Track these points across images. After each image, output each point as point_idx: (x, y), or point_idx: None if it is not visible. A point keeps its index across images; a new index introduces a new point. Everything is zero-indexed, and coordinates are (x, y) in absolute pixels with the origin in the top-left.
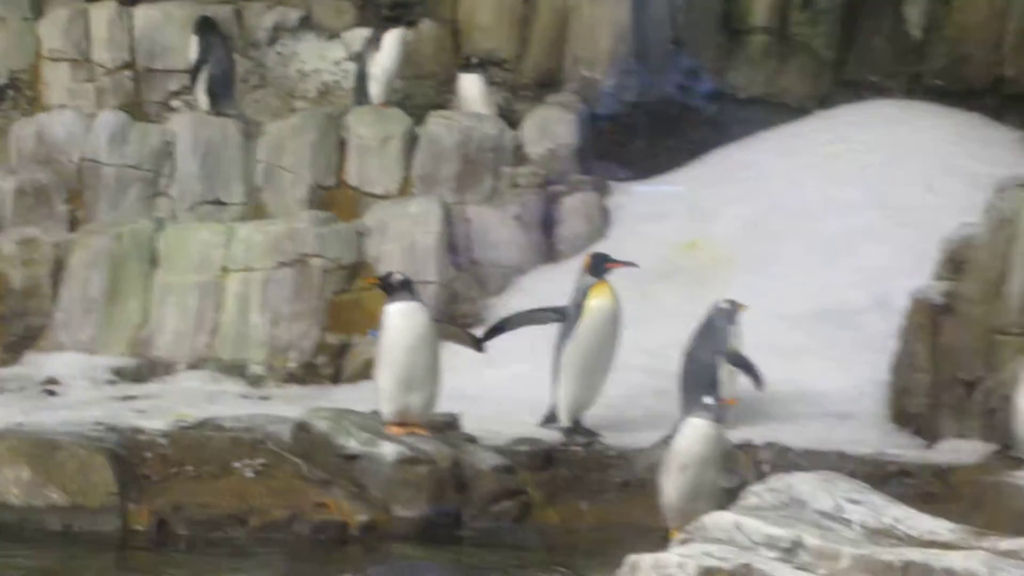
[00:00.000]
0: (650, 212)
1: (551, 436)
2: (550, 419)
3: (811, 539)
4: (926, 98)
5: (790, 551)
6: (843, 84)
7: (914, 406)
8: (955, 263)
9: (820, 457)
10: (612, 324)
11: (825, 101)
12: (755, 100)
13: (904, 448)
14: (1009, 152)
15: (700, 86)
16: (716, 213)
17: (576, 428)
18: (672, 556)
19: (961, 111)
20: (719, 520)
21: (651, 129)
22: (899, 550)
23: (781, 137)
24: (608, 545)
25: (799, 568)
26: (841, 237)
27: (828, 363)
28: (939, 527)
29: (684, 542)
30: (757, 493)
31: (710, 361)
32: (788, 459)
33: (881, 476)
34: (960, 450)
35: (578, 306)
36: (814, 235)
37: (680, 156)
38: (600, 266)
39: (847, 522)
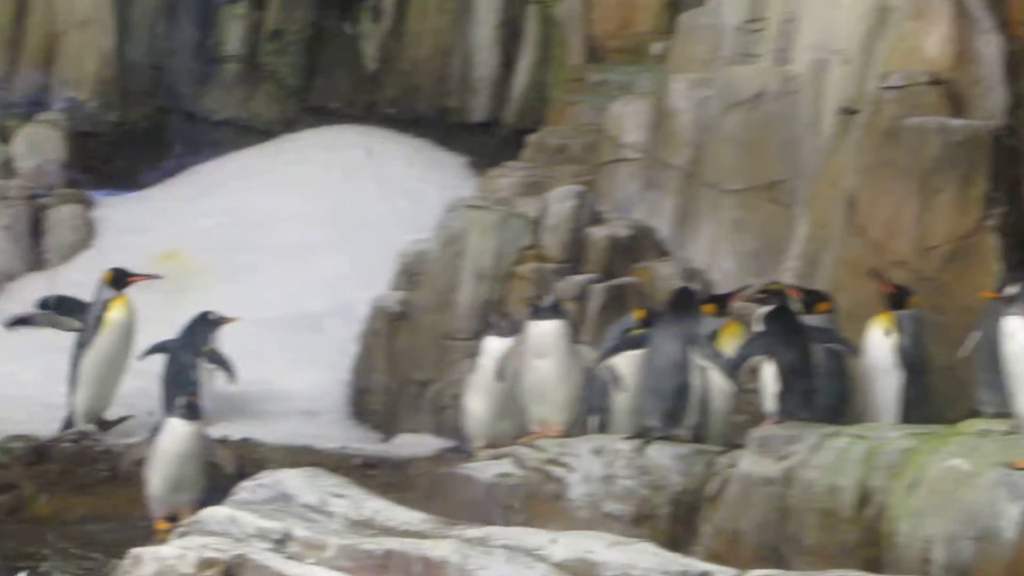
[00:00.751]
0: (133, 225)
1: (45, 432)
2: (68, 424)
3: (300, 531)
4: (381, 124)
5: (281, 542)
6: (307, 110)
7: (373, 404)
8: (409, 275)
9: (291, 452)
10: (128, 335)
11: (291, 125)
12: (228, 122)
13: (365, 442)
14: (455, 175)
15: (178, 109)
16: (193, 226)
17: (103, 425)
18: (172, 549)
19: (412, 137)
20: (215, 514)
21: (133, 147)
22: (380, 539)
23: (252, 157)
24: (99, 535)
25: (290, 558)
26: (306, 250)
27: (295, 365)
28: (413, 518)
29: (183, 535)
30: (248, 488)
31: (190, 363)
32: (262, 454)
33: (347, 469)
34: (415, 444)
35: (97, 318)
36: (282, 247)
37: (160, 173)
38: (121, 280)
39: (331, 515)
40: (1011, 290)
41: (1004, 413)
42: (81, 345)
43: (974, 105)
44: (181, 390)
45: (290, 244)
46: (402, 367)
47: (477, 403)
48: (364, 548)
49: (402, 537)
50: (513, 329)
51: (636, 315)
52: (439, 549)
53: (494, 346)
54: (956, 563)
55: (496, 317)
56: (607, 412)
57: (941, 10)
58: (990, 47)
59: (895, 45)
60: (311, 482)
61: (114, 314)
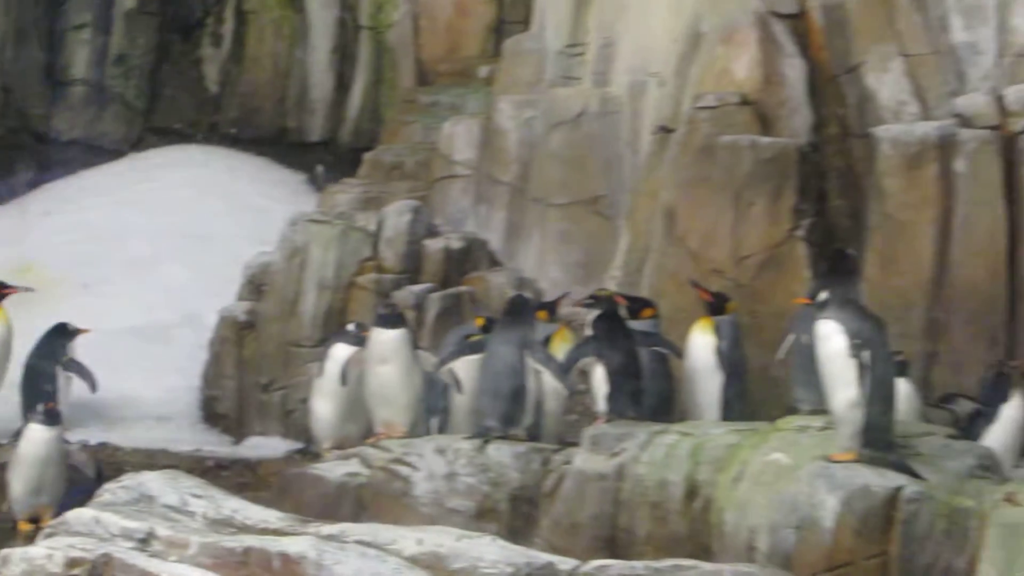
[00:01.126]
0: None
1: None
2: None
3: (162, 530)
4: (223, 144)
5: (145, 541)
6: (153, 130)
7: (223, 408)
8: (255, 286)
9: (147, 455)
10: (5, 346)
11: (137, 145)
12: (77, 142)
13: (217, 445)
14: (295, 192)
15: (29, 129)
16: (46, 241)
17: None
18: (40, 549)
19: (253, 155)
20: (81, 515)
21: None
22: (240, 537)
23: (100, 175)
24: None
25: (153, 556)
26: (155, 263)
27: (147, 373)
28: (270, 516)
29: (50, 535)
30: (111, 490)
31: (48, 372)
32: (120, 457)
33: (201, 470)
34: (264, 446)
35: None
36: (131, 261)
37: (12, 190)
38: None
39: (192, 514)
40: (823, 296)
41: (820, 410)
42: None
43: (782, 124)
44: (40, 397)
45: (139, 258)
46: (250, 373)
47: (324, 406)
48: (225, 546)
49: (260, 535)
50: (358, 338)
51: (477, 322)
52: (297, 545)
53: (339, 352)
54: (778, 551)
55: (343, 325)
56: (448, 414)
57: (749, 36)
58: (795, 70)
59: (707, 68)
60: (171, 484)
61: None
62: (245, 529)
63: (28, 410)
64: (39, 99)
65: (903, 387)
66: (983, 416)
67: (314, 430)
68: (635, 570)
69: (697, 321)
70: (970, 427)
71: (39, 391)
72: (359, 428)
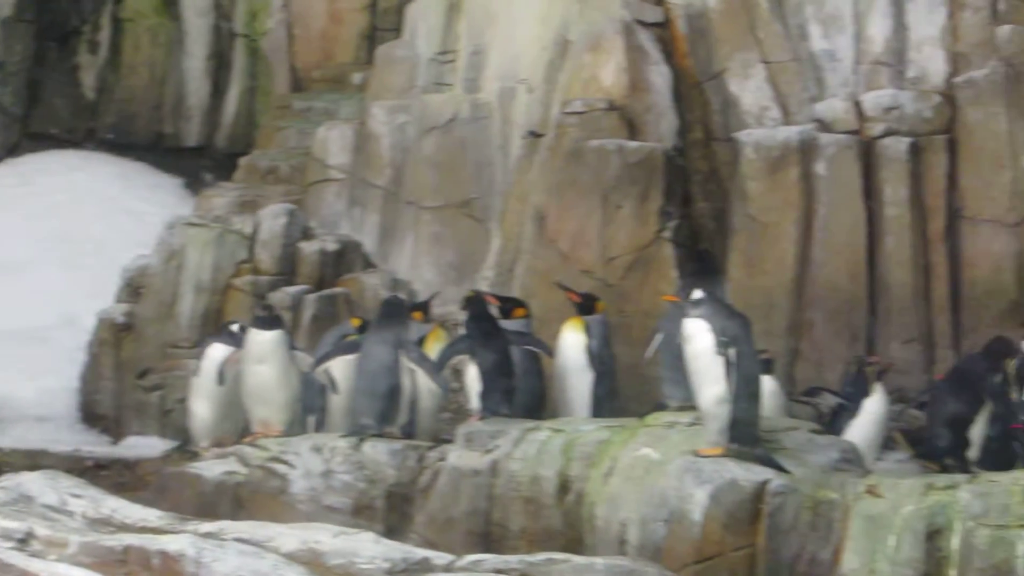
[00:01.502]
0: None
1: None
2: None
3: (41, 529)
4: (101, 149)
5: (24, 541)
6: (30, 136)
7: (102, 409)
8: (133, 288)
9: (26, 455)
10: None
11: (14, 150)
12: None
13: (96, 445)
14: (172, 196)
15: None
16: None
17: None
18: None
19: (130, 160)
20: None
21: None
22: (119, 536)
23: None
24: None
25: (33, 555)
26: (31, 267)
27: (24, 374)
28: (149, 515)
29: None
30: None
31: None
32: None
33: (80, 470)
34: (142, 445)
35: None
36: (6, 265)
37: None
38: None
39: (71, 513)
40: (697, 295)
41: (688, 406)
42: None
43: (648, 129)
44: None
45: (14, 262)
46: (128, 374)
47: (201, 406)
48: (104, 544)
49: (140, 533)
50: (235, 337)
51: (353, 323)
52: (176, 543)
53: (216, 352)
54: (649, 544)
55: (220, 326)
56: (324, 412)
57: (615, 43)
58: (660, 77)
59: (575, 75)
60: (50, 484)
61: None
62: (124, 528)
63: None
64: None
65: (768, 383)
66: (846, 410)
67: (192, 429)
68: (509, 564)
69: (568, 321)
70: (833, 421)
71: None
72: (235, 426)
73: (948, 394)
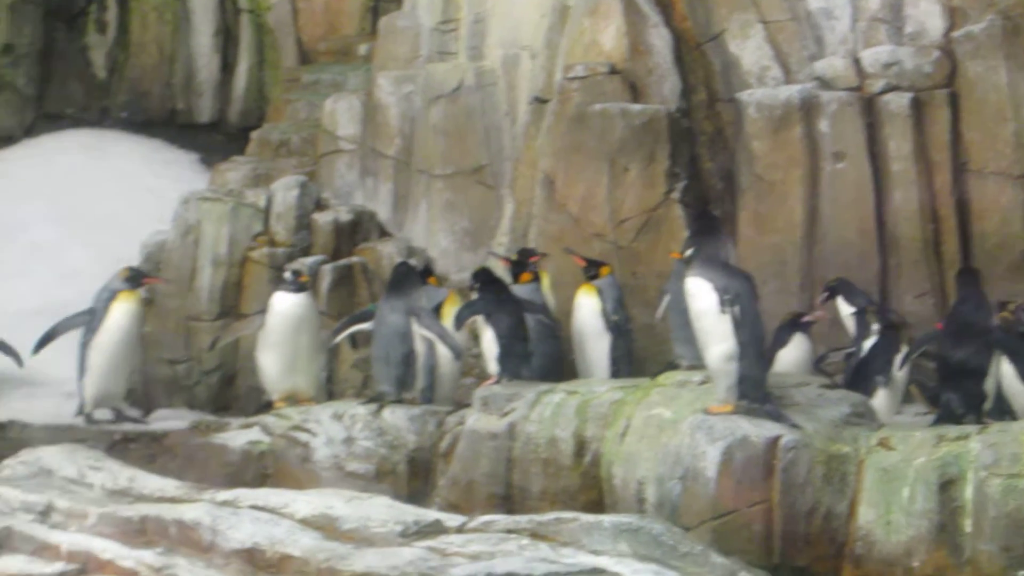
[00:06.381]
0: None
1: None
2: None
3: (61, 502)
4: (116, 128)
5: (45, 513)
6: (45, 116)
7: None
8: (153, 263)
9: (56, 431)
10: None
11: (30, 131)
12: None
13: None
14: (187, 171)
15: None
16: None
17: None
18: None
19: (145, 138)
20: None
21: None
22: (137, 506)
23: None
24: None
25: (54, 527)
26: (53, 245)
27: (51, 351)
28: (167, 485)
29: None
30: (10, 466)
31: None
32: (28, 434)
33: (109, 444)
34: (170, 418)
35: (105, 308)
36: (30, 244)
37: None
38: (137, 279)
39: (90, 486)
40: (689, 253)
41: (698, 365)
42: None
43: (651, 92)
44: None
45: (37, 241)
46: (153, 349)
47: (268, 358)
48: (123, 515)
49: (157, 503)
50: (298, 285)
51: None
52: (192, 512)
53: (281, 302)
54: (666, 502)
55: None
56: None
57: (613, 7)
58: (660, 39)
59: (575, 40)
60: (69, 457)
61: (123, 304)
62: (142, 498)
63: None
64: None
65: (802, 342)
66: (853, 356)
67: (263, 383)
68: (519, 524)
69: (582, 285)
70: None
71: None
72: (308, 381)
73: (955, 349)
